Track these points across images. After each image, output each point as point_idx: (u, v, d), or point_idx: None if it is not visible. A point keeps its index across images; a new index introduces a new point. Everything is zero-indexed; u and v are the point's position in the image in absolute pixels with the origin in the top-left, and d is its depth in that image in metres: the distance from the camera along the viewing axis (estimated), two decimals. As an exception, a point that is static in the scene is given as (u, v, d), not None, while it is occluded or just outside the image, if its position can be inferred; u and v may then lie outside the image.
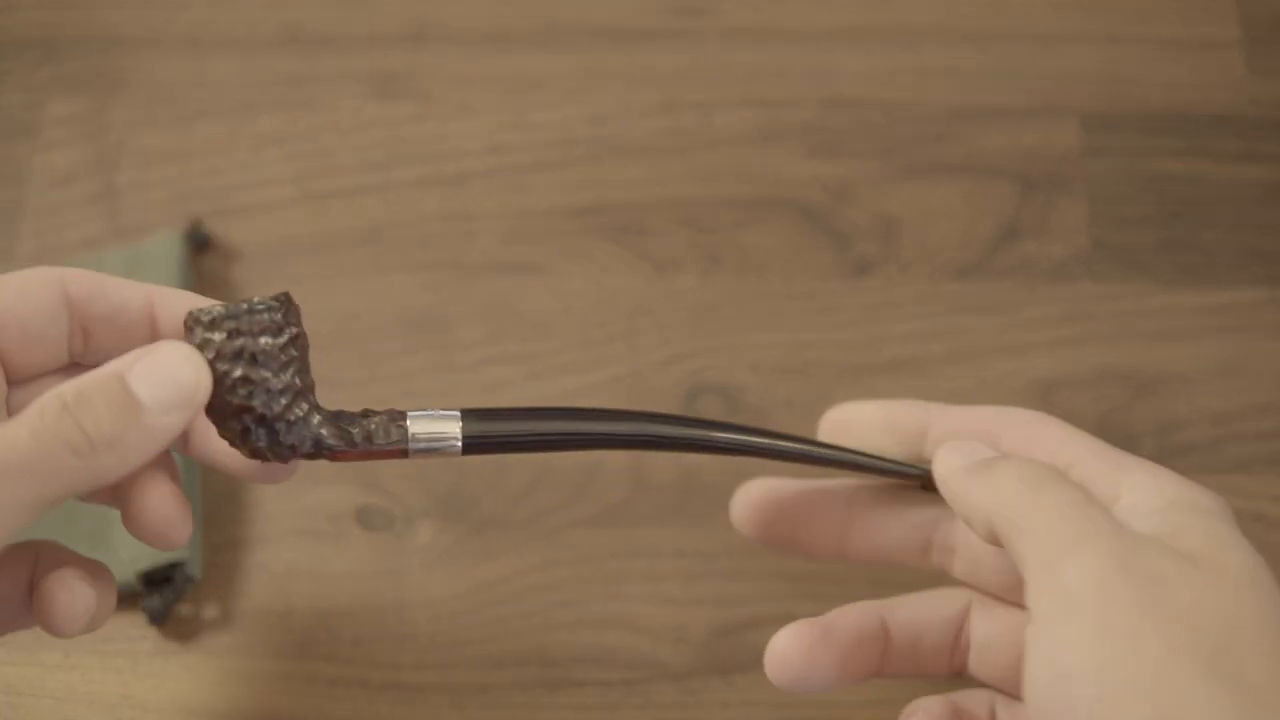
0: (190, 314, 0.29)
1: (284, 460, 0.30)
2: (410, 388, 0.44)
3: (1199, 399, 0.43)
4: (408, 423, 0.31)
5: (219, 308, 0.29)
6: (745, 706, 0.40)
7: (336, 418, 0.30)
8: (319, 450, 0.30)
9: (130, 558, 0.39)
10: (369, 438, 0.30)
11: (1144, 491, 0.29)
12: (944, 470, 0.32)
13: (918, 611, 0.34)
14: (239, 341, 0.29)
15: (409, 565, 0.42)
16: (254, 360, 0.29)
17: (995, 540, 0.30)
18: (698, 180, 0.47)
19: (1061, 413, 0.36)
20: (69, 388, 0.27)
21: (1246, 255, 0.46)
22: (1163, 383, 0.44)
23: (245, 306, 0.29)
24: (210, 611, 0.41)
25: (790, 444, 0.34)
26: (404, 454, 0.31)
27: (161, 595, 0.40)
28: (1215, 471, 0.42)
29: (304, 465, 0.40)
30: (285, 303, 0.30)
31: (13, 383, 0.30)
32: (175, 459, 0.31)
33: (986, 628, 0.33)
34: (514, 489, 0.43)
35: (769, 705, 0.39)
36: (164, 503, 0.29)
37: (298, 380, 0.29)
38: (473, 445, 0.31)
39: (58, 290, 0.30)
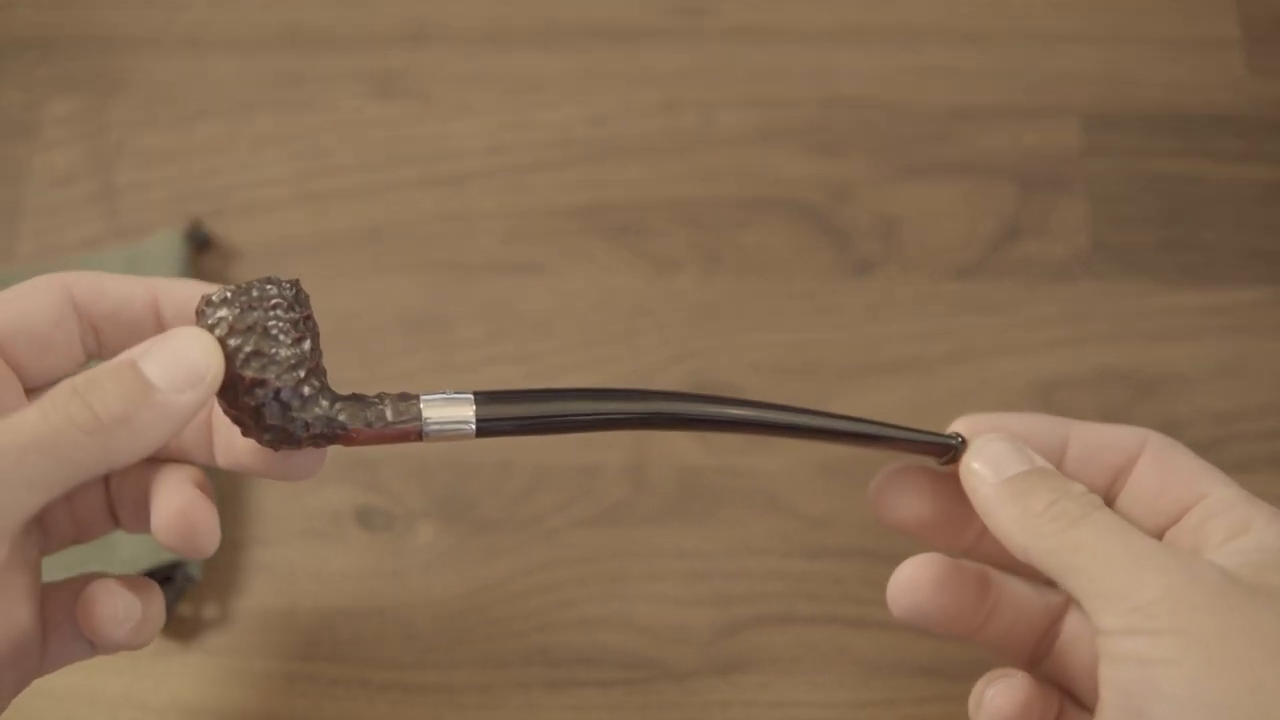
0: (203, 297, 0.29)
1: (298, 443, 0.30)
2: (410, 388, 0.43)
3: (1200, 399, 0.43)
4: (421, 405, 0.30)
5: (232, 286, 0.29)
6: (745, 706, 0.40)
7: (350, 400, 0.30)
8: (333, 430, 0.30)
9: (131, 557, 0.39)
10: (383, 418, 0.30)
11: (1269, 530, 0.30)
12: (973, 479, 0.32)
13: (1027, 590, 0.34)
14: (252, 316, 0.29)
15: (409, 565, 0.42)
16: (266, 333, 0.29)
17: (1030, 563, 0.30)
18: (698, 180, 0.47)
19: (1062, 413, 0.36)
20: (81, 375, 0.28)
21: (1247, 255, 0.46)
22: (1163, 382, 0.44)
23: (258, 283, 0.29)
24: (210, 611, 0.41)
25: (808, 419, 0.33)
26: (418, 436, 0.31)
27: (162, 595, 0.40)
28: (1216, 471, 0.42)
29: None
30: (296, 286, 0.30)
31: (30, 389, 0.31)
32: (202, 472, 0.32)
33: (1078, 626, 0.34)
34: (514, 489, 0.43)
35: (769, 705, 0.39)
36: (191, 508, 0.29)
37: (310, 357, 0.30)
38: (486, 428, 0.31)
39: (62, 294, 0.30)
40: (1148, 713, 0.27)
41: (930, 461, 0.34)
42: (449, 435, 0.31)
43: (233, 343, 0.29)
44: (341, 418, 0.30)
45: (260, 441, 0.30)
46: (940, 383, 0.44)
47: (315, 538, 0.42)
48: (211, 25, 0.51)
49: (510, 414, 0.31)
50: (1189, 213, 0.46)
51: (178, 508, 0.29)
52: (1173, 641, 0.27)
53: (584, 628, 0.41)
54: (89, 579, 0.30)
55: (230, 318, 0.29)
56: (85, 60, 0.50)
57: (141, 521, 0.32)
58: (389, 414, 0.30)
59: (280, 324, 0.29)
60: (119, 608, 0.29)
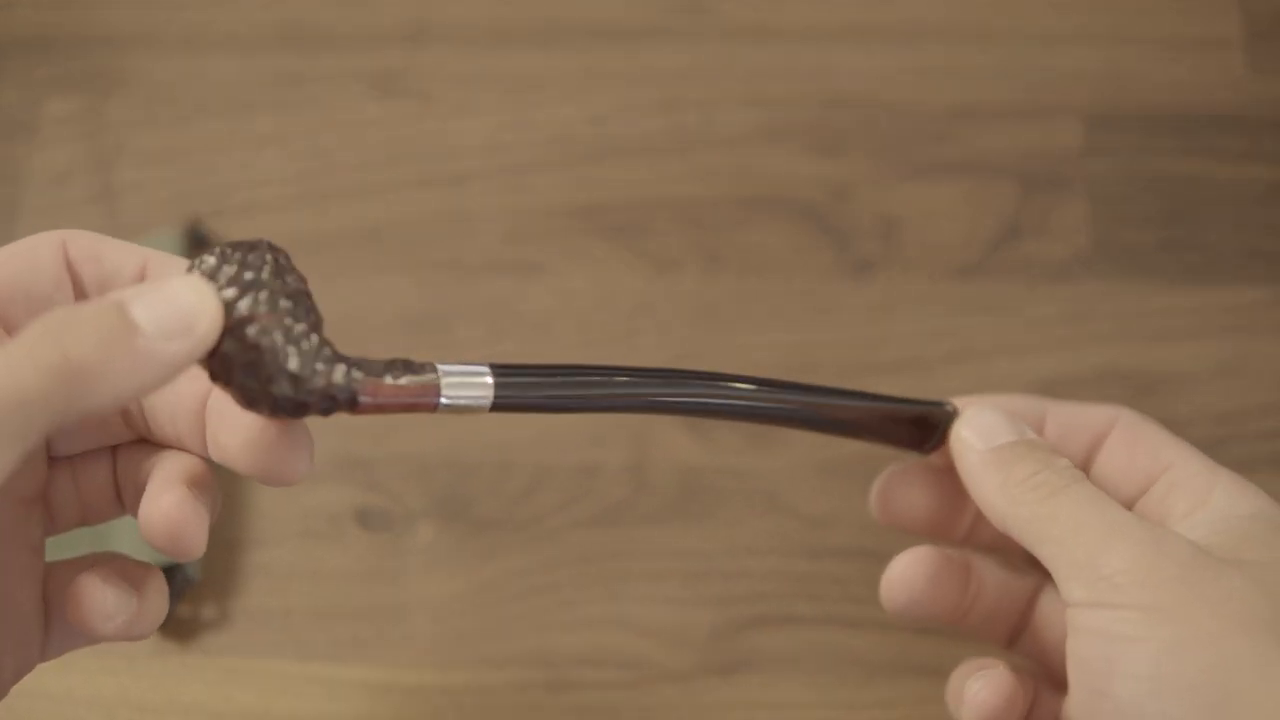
0: (197, 257, 0.27)
1: (305, 409, 0.27)
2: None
3: (1200, 399, 0.43)
4: (439, 373, 0.28)
5: (224, 245, 0.27)
6: (745, 707, 0.39)
7: (360, 361, 0.27)
8: (344, 390, 0.27)
9: (131, 552, 0.39)
10: (397, 382, 0.27)
11: (1232, 498, 0.30)
12: (960, 445, 0.32)
13: (1005, 573, 0.35)
14: (248, 274, 0.26)
15: (409, 565, 0.42)
16: (271, 292, 0.26)
17: (1007, 532, 0.31)
18: (698, 180, 0.47)
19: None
20: (59, 312, 0.25)
21: (1248, 255, 0.45)
22: (1164, 382, 0.44)
23: (245, 244, 0.27)
24: (209, 612, 0.41)
25: (814, 398, 0.33)
26: (433, 407, 0.28)
27: (165, 583, 0.40)
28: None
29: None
30: (286, 253, 0.28)
31: None
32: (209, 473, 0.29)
33: (1052, 604, 0.34)
34: (514, 489, 0.43)
35: (770, 705, 0.39)
36: (177, 508, 0.27)
37: (313, 315, 0.27)
38: (503, 402, 0.29)
39: (59, 253, 0.28)
40: (1112, 691, 0.27)
41: (914, 456, 0.35)
42: (463, 408, 0.29)
43: (232, 295, 0.26)
44: (357, 374, 0.27)
45: (262, 411, 0.26)
46: (940, 383, 0.44)
47: (314, 538, 0.42)
48: (211, 24, 0.50)
49: (528, 391, 0.30)
50: (1190, 212, 0.46)
51: (164, 508, 0.27)
52: (1138, 617, 0.27)
53: (583, 628, 0.41)
54: (89, 561, 0.28)
55: (230, 273, 0.26)
56: (84, 60, 0.50)
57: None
58: (404, 379, 0.28)
59: (282, 283, 0.27)
60: (108, 602, 0.27)
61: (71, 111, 0.49)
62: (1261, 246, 0.46)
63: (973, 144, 0.47)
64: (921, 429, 0.34)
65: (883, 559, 0.41)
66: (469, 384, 0.29)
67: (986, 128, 0.48)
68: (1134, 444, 0.33)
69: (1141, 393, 0.43)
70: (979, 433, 0.32)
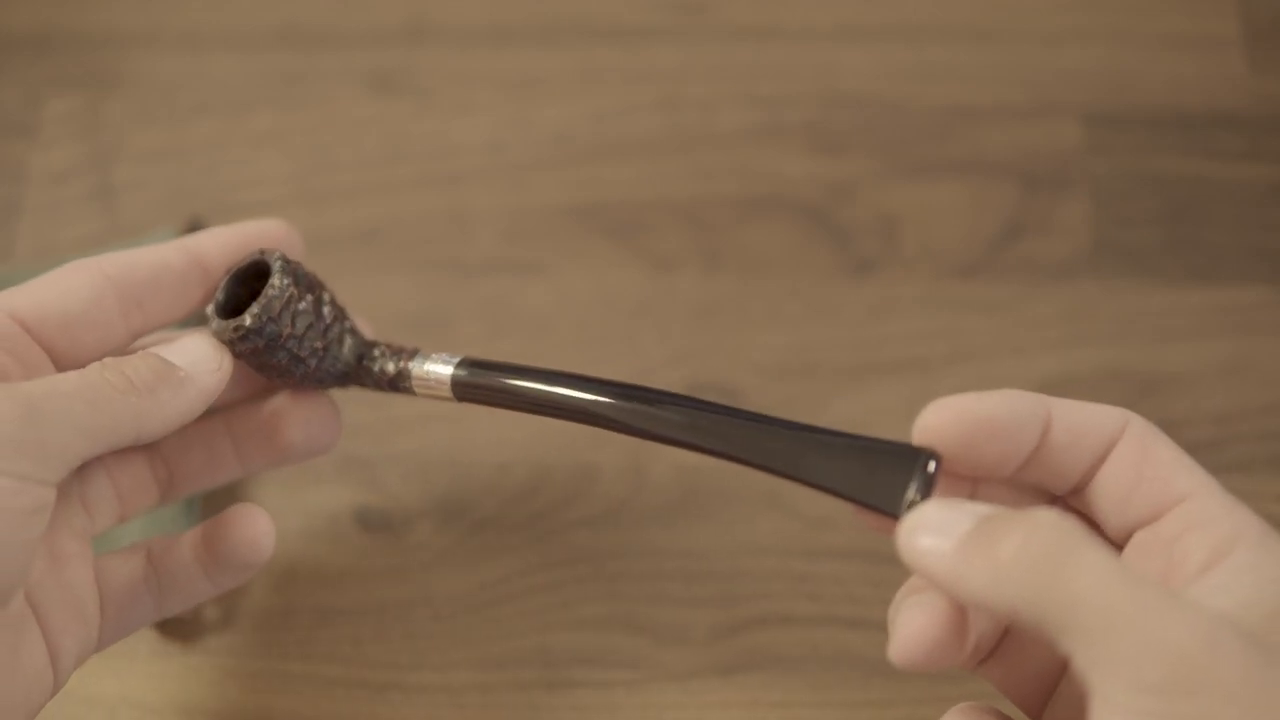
0: (216, 329, 0.33)
1: (333, 383, 0.35)
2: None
3: (1201, 398, 0.43)
4: (414, 361, 0.35)
5: (245, 321, 0.32)
6: (746, 707, 0.39)
7: (363, 353, 0.35)
8: (361, 362, 0.35)
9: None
10: (384, 368, 0.35)
11: (1258, 555, 0.26)
12: (924, 558, 0.26)
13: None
14: (244, 345, 0.33)
15: (409, 565, 0.42)
16: (263, 353, 0.33)
17: (1019, 627, 0.26)
18: (698, 178, 0.47)
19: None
20: (110, 357, 0.31)
21: (1249, 254, 0.45)
22: (1165, 382, 0.43)
23: (258, 308, 0.32)
24: (210, 612, 0.41)
25: (769, 432, 0.30)
26: (410, 390, 0.35)
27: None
28: (1217, 471, 0.41)
29: (303, 466, 0.40)
30: (285, 267, 0.33)
31: (66, 369, 0.31)
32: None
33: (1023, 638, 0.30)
34: (514, 489, 0.43)
35: (770, 705, 0.39)
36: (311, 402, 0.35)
37: (314, 340, 0.34)
38: (464, 394, 0.34)
39: (95, 274, 0.31)
40: None
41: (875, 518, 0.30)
42: (434, 396, 0.35)
43: (260, 350, 0.33)
44: (364, 361, 0.35)
45: (288, 386, 0.35)
46: (940, 383, 0.44)
47: (314, 538, 0.42)
48: (210, 23, 0.50)
49: (488, 384, 0.33)
50: (1191, 212, 0.46)
51: (304, 405, 0.36)
52: None
53: (584, 628, 0.41)
54: (151, 545, 0.34)
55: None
56: (83, 58, 0.50)
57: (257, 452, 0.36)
58: (386, 367, 0.35)
59: (299, 328, 0.33)
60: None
61: (70, 110, 0.49)
62: (1263, 246, 0.46)
63: (973, 143, 0.47)
64: (886, 486, 0.29)
65: (883, 559, 0.41)
66: (437, 372, 0.34)
67: (986, 127, 0.48)
68: (1142, 462, 0.29)
69: (1142, 393, 0.43)
70: (937, 531, 0.26)
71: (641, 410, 0.32)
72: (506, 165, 0.48)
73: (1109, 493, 0.29)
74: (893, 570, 0.36)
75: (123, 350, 0.32)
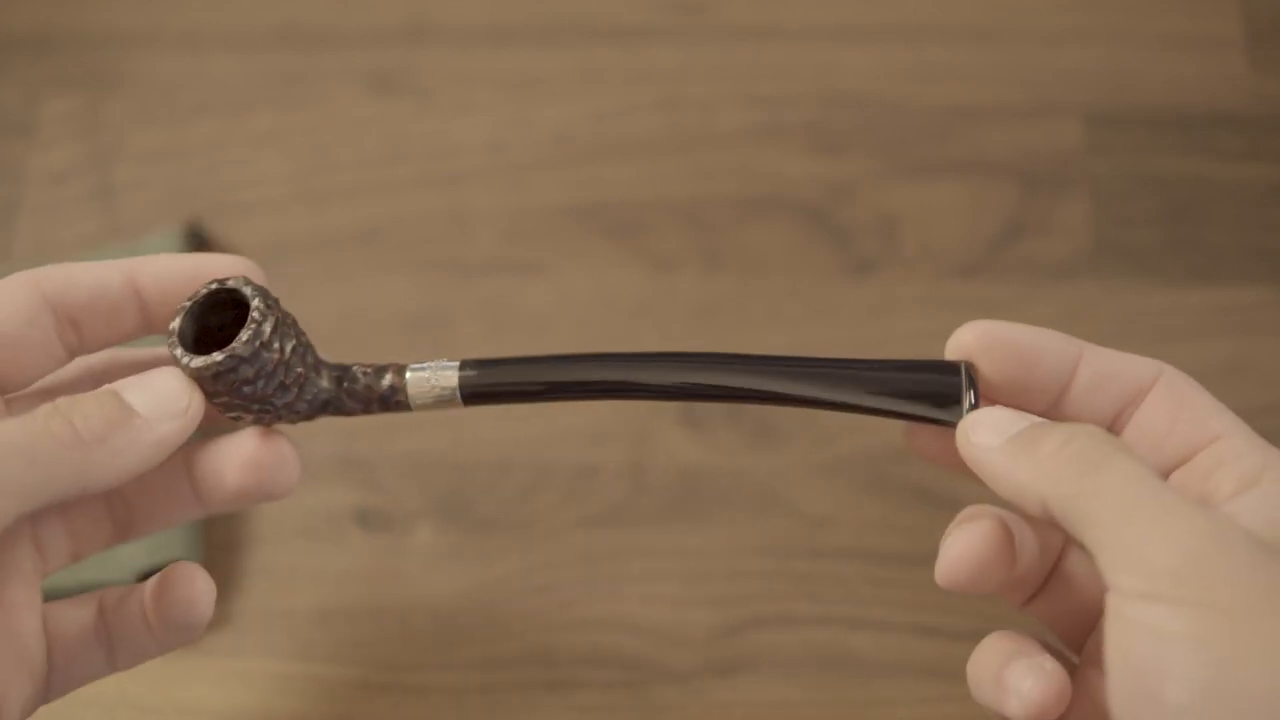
0: (193, 364, 0.29)
1: (299, 418, 0.31)
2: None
3: (1201, 399, 0.43)
4: (407, 375, 0.32)
5: (237, 348, 0.29)
6: (746, 707, 0.39)
7: (340, 369, 0.32)
8: (329, 403, 0.31)
9: (128, 555, 0.39)
10: (370, 389, 0.32)
11: None
12: (977, 451, 0.29)
13: (1039, 534, 0.31)
14: (231, 377, 0.29)
15: (409, 566, 0.41)
16: (252, 382, 0.30)
17: (1050, 519, 0.28)
18: (698, 178, 0.47)
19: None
20: (64, 397, 0.28)
21: (1250, 254, 0.45)
22: (1165, 382, 0.43)
23: (222, 358, 0.29)
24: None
25: (808, 368, 0.31)
26: (407, 406, 0.32)
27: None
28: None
29: (303, 466, 0.40)
30: (258, 291, 0.30)
31: (11, 395, 0.30)
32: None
33: (1077, 569, 0.31)
34: (514, 489, 0.43)
35: (770, 705, 0.39)
36: (261, 444, 0.31)
37: (305, 347, 0.31)
38: (472, 394, 0.31)
39: (32, 292, 0.29)
40: (1163, 696, 0.24)
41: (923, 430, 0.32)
42: (435, 404, 0.32)
43: (222, 396, 0.30)
44: (346, 384, 0.32)
45: (261, 422, 0.31)
46: (941, 382, 0.44)
47: (314, 538, 0.42)
48: (210, 23, 0.50)
49: (498, 381, 0.31)
50: (1191, 211, 0.46)
51: (249, 448, 0.31)
52: (1196, 615, 0.24)
53: (584, 628, 0.41)
54: (105, 595, 0.31)
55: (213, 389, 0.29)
56: (83, 58, 0.50)
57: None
58: (375, 384, 0.32)
59: (263, 371, 0.30)
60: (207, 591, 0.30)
61: (70, 110, 0.49)
62: (1264, 246, 0.46)
63: (973, 143, 0.47)
64: (936, 399, 0.31)
65: (883, 559, 0.41)
66: (438, 382, 0.32)
67: (988, 127, 0.48)
68: (1178, 408, 0.30)
69: (1142, 392, 0.43)
70: (991, 429, 0.29)
71: (699, 366, 0.31)
72: (506, 165, 0.48)
73: (1144, 437, 0.30)
74: (893, 570, 0.36)
75: (61, 366, 0.30)
